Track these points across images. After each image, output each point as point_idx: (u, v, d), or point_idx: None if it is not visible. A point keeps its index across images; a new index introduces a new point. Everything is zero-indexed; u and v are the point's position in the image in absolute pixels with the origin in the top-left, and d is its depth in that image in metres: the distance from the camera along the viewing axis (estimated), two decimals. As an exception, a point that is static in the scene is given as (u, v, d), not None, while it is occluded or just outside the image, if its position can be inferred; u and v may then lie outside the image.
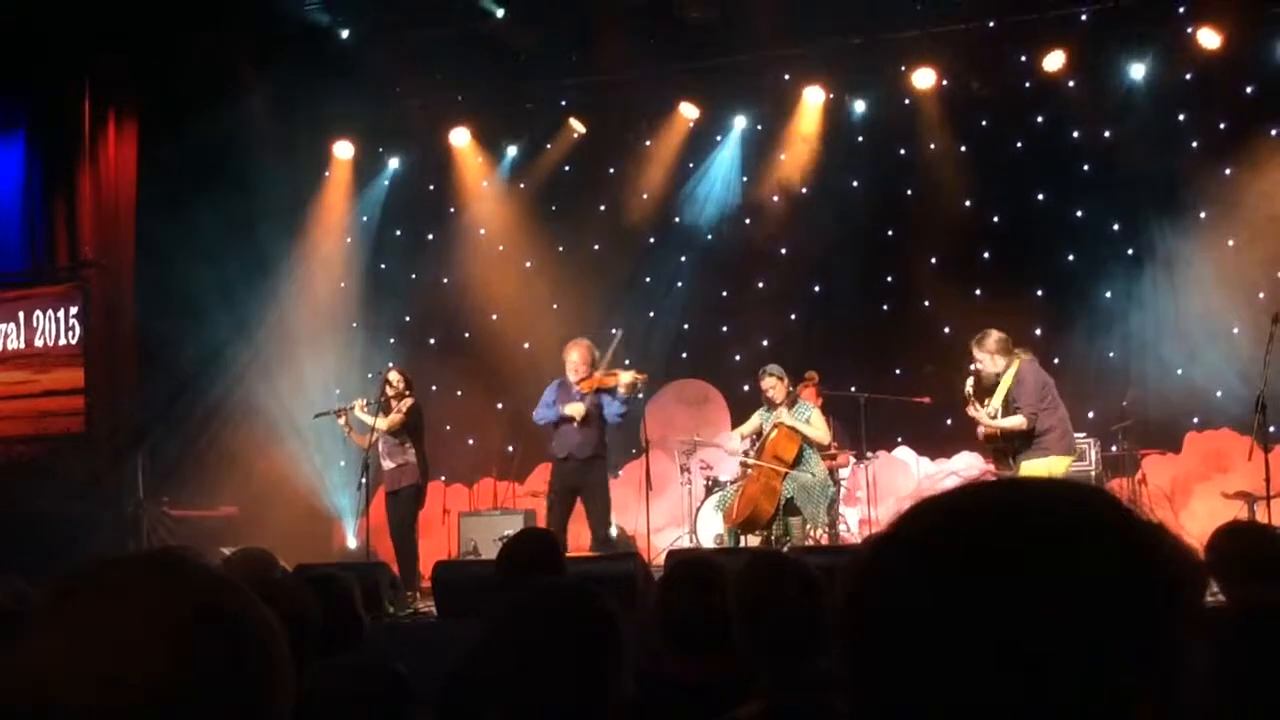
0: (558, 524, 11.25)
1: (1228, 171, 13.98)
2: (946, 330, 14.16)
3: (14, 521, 12.49)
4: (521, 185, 16.19)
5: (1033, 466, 9.80)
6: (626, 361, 12.29)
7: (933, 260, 15.08)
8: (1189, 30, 13.73)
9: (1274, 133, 13.90)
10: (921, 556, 1.13)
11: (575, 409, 11.33)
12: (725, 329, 15.85)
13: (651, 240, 16.10)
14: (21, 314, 14.84)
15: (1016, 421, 9.82)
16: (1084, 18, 14.08)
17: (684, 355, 15.90)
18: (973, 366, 10.24)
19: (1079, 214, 14.71)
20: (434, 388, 14.92)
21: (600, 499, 11.46)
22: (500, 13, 14.26)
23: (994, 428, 9.93)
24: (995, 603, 1.08)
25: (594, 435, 11.41)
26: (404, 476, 11.72)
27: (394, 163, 16.45)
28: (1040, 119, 14.89)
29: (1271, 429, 10.24)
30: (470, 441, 15.69)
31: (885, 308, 15.28)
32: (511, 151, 16.21)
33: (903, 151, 15.27)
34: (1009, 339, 10.19)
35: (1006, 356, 10.05)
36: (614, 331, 12.22)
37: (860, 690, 1.15)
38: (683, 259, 15.99)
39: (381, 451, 11.78)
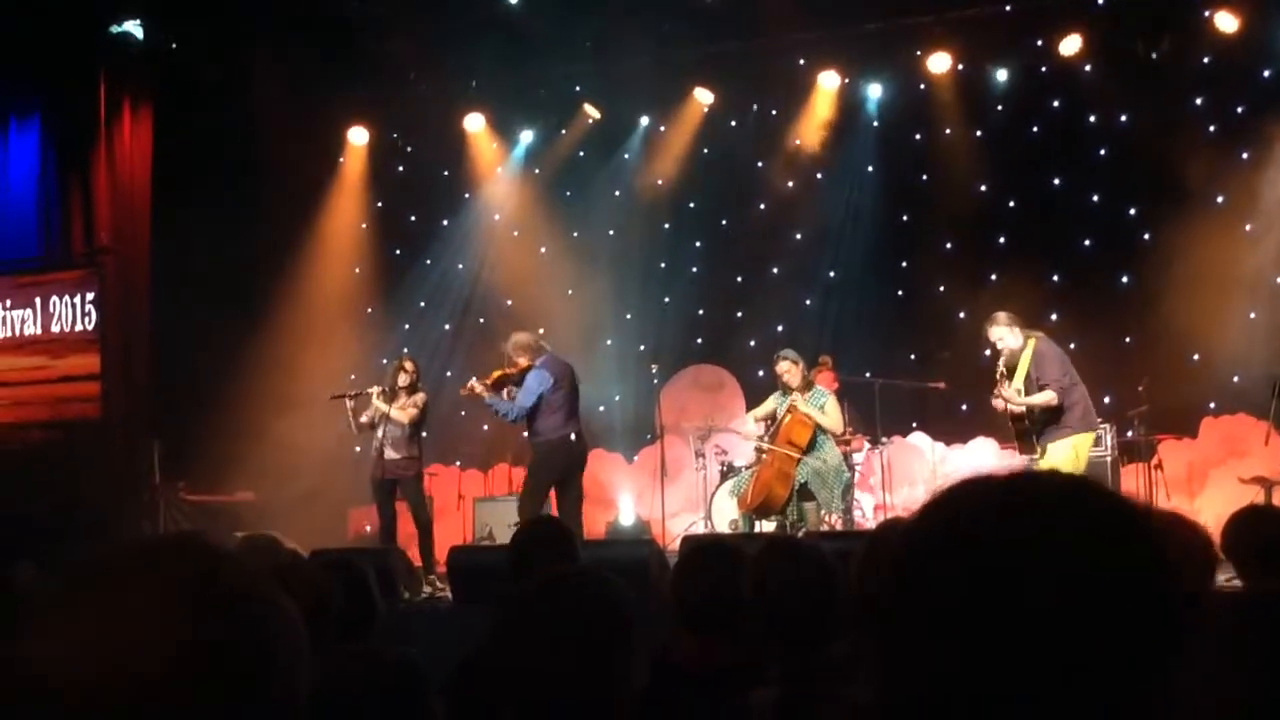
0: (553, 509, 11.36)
1: (1245, 156, 13.92)
2: (961, 315, 14.14)
3: (30, 507, 12.54)
4: (536, 171, 16.20)
5: (1058, 447, 9.72)
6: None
7: (948, 245, 15.06)
8: (1206, 14, 13.67)
9: (1291, 116, 13.84)
10: (945, 547, 1.17)
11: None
12: (740, 314, 15.84)
13: (666, 225, 16.09)
14: (38, 300, 14.89)
15: (1047, 397, 9.71)
16: (1100, 1, 14.02)
17: (698, 340, 15.90)
18: (989, 348, 10.18)
19: (1095, 199, 14.66)
20: (448, 373, 14.95)
21: (526, 479, 11.50)
22: (514, -2, 14.25)
23: (1023, 405, 9.82)
24: (1009, 591, 1.12)
25: (527, 425, 11.44)
26: (410, 467, 11.74)
27: (409, 149, 16.46)
28: (1056, 103, 14.84)
29: (1288, 413, 10.21)
30: (485, 427, 15.69)
31: (900, 293, 15.26)
32: (526, 137, 16.23)
33: (918, 136, 15.25)
34: (1015, 314, 10.14)
35: (1021, 332, 9.98)
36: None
37: (883, 668, 1.17)
38: (697, 244, 15.99)
39: (384, 440, 11.75)
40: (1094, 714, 1.12)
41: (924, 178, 15.22)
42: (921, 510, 1.22)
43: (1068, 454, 9.67)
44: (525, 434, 11.53)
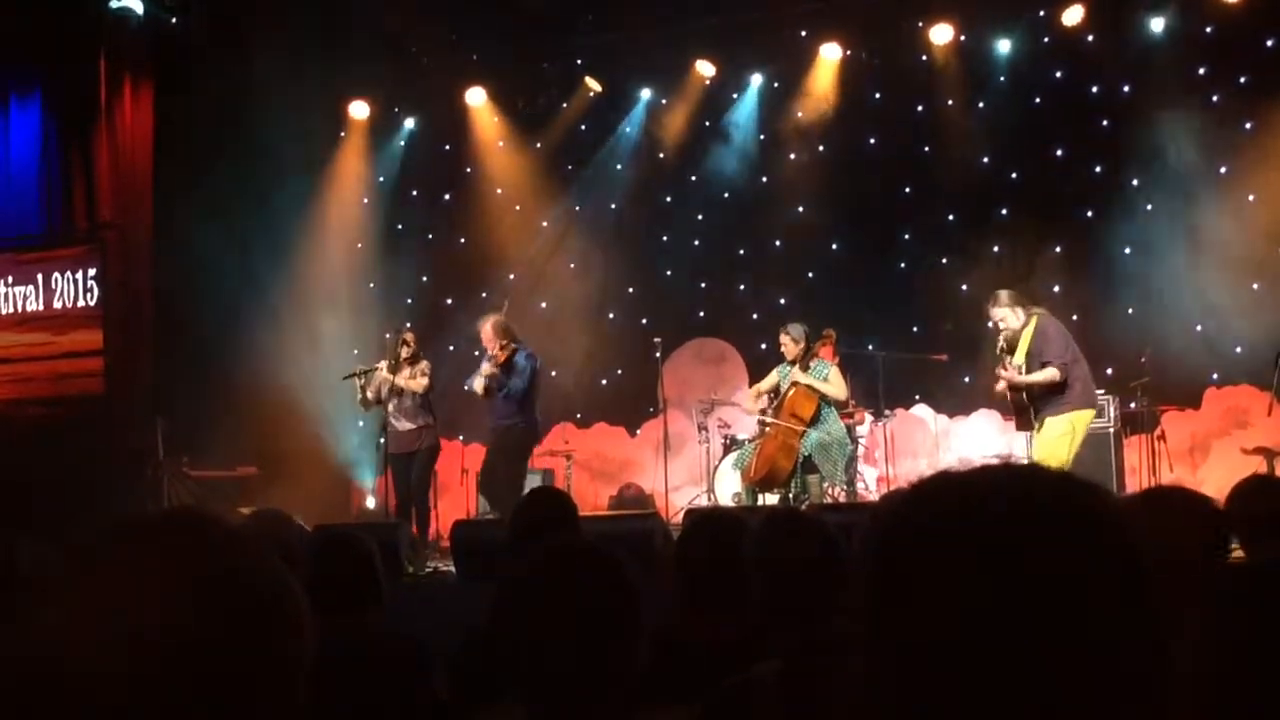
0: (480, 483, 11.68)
1: (1248, 126, 13.89)
2: (964, 287, 14.12)
3: (34, 483, 12.55)
4: (538, 144, 16.15)
5: (1056, 422, 9.69)
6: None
7: (950, 217, 15.04)
8: (1209, -18, 13.64)
9: (1295, 86, 13.80)
10: (947, 522, 1.21)
11: (475, 383, 11.73)
12: (742, 287, 15.83)
13: (668, 198, 16.07)
14: (40, 276, 14.88)
15: (1049, 374, 9.66)
16: (1103, -30, 13.98)
17: (701, 314, 15.90)
18: (991, 324, 10.16)
19: (1098, 169, 14.64)
20: (450, 348, 14.94)
21: (502, 460, 11.66)
22: (515, -30, 14.21)
23: (1025, 383, 9.78)
24: (1011, 562, 1.16)
25: (502, 407, 11.61)
26: (425, 437, 11.78)
27: (410, 123, 16.44)
28: (1059, 74, 14.80)
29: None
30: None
31: (902, 265, 15.22)
32: (527, 111, 16.18)
33: (920, 108, 15.19)
34: (1020, 295, 10.09)
35: (1023, 308, 9.94)
36: (506, 302, 12.51)
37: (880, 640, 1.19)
38: (700, 217, 15.96)
39: (395, 413, 11.78)
40: (1091, 684, 1.13)
41: (925, 149, 15.17)
42: (917, 488, 1.26)
43: (1064, 429, 9.65)
44: (502, 419, 11.62)
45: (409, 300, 16.04)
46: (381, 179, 16.48)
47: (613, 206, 15.96)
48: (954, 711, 1.14)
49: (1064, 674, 1.13)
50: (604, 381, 15.65)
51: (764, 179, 15.73)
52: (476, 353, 12.35)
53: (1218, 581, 1.92)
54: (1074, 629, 1.14)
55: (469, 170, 16.47)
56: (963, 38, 14.61)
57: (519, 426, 11.64)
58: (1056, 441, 9.60)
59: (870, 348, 13.16)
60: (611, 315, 15.77)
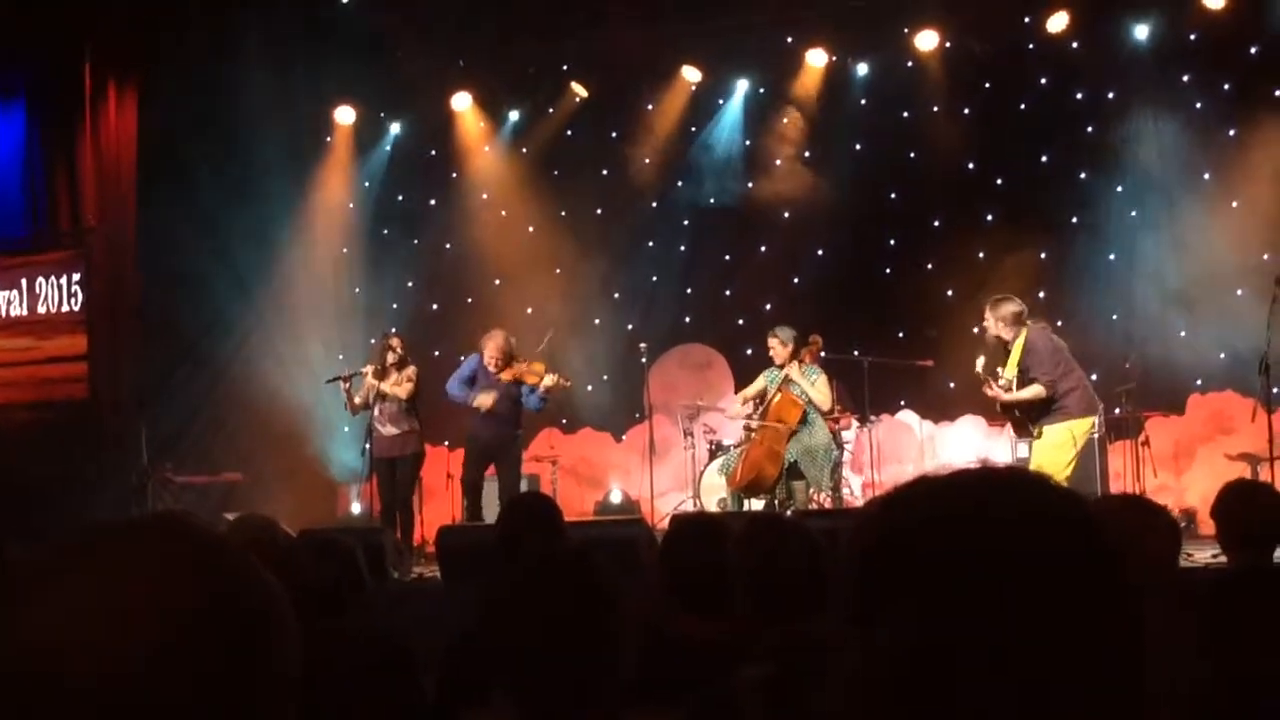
0: (472, 484, 11.62)
1: (1231, 133, 13.94)
2: (949, 293, 14.14)
3: (17, 488, 12.51)
4: (523, 150, 16.14)
5: (1054, 431, 9.73)
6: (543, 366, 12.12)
7: (935, 223, 15.06)
8: (1193, -10, 13.68)
9: (1278, 93, 13.84)
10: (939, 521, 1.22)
11: (484, 400, 11.62)
12: (728, 293, 15.84)
13: (654, 204, 16.06)
14: (24, 281, 14.85)
15: (1035, 391, 9.70)
16: (1087, -22, 14.02)
17: (686, 319, 15.90)
18: (978, 329, 10.18)
19: (1082, 176, 14.66)
20: (436, 353, 14.91)
21: (511, 471, 11.73)
22: (501, -25, 14.21)
23: (1013, 401, 9.83)
24: (1001, 562, 1.17)
25: (509, 419, 11.72)
26: (409, 443, 11.76)
27: (395, 128, 16.41)
28: (1044, 80, 14.83)
29: (1275, 390, 10.22)
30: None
31: (888, 271, 15.26)
32: (513, 116, 16.18)
33: (905, 114, 15.21)
34: (1024, 312, 10.04)
35: (1016, 327, 9.93)
36: (550, 333, 12.69)
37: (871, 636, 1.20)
38: (685, 223, 15.96)
39: (380, 418, 11.76)
40: (1072, 684, 1.14)
41: (911, 155, 15.19)
42: (897, 491, 1.27)
43: (1064, 437, 9.71)
44: (509, 430, 11.71)
45: (394, 305, 16.01)
46: (367, 183, 16.45)
47: (599, 212, 15.94)
48: (942, 711, 1.14)
49: (1047, 674, 1.13)
50: (590, 387, 15.62)
51: (749, 184, 15.73)
52: (462, 357, 12.33)
53: (1200, 586, 1.93)
54: (1053, 630, 1.14)
55: (454, 175, 16.45)
56: (948, 44, 14.64)
57: (520, 436, 11.83)
58: (1056, 450, 9.66)
59: (855, 353, 13.16)
60: (597, 321, 15.75)
